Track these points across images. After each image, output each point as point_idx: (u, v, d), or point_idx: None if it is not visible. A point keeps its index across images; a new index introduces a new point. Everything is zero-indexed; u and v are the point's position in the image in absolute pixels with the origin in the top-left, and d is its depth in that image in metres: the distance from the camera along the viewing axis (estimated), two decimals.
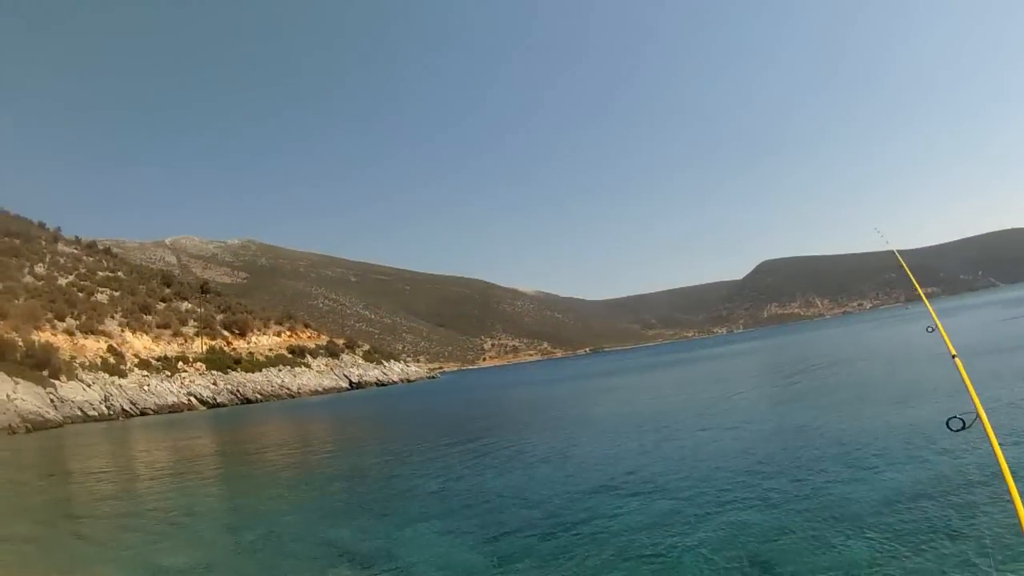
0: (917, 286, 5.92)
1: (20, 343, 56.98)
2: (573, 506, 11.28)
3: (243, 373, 77.10)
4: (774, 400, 25.02)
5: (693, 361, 68.02)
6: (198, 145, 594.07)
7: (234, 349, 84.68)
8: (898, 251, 7.34)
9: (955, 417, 3.55)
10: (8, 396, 47.09)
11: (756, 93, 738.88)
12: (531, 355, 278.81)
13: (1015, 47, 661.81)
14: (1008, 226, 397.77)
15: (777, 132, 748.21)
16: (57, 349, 60.53)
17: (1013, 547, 6.90)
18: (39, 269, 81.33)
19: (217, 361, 77.35)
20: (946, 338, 4.90)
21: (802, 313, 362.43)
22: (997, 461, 3.11)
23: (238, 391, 71.50)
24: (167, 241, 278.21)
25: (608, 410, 28.83)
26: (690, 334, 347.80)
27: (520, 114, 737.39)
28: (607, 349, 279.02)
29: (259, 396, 72.53)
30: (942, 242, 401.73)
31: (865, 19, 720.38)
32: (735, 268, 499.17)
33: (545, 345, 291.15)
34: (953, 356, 4.44)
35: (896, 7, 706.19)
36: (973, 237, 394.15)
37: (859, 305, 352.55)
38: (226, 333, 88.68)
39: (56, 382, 55.96)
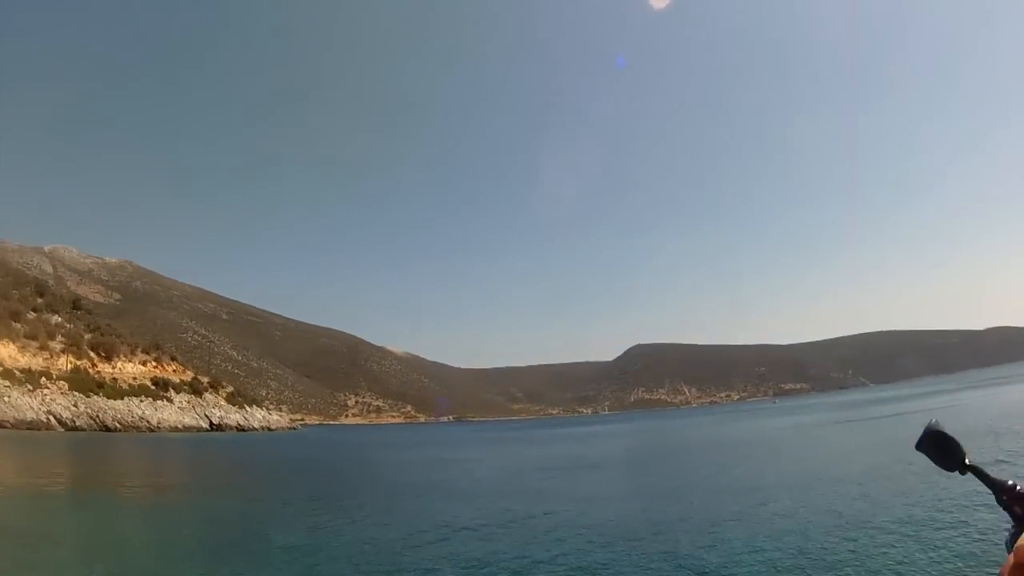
0: None
1: None
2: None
3: (105, 399, 77.99)
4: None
5: (561, 439, 77.35)
6: (86, 152, 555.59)
7: (99, 372, 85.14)
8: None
9: None
10: None
11: (637, 175, 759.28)
12: (394, 417, 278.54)
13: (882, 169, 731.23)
14: (878, 328, 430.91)
15: (657, 217, 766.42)
16: None
17: None
18: None
19: (81, 382, 77.94)
20: None
21: (669, 400, 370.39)
22: None
23: (98, 417, 72.80)
24: (46, 248, 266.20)
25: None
26: (555, 411, 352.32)
27: (402, 177, 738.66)
28: (471, 419, 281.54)
29: (119, 425, 73.97)
30: (813, 340, 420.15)
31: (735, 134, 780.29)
32: (606, 350, 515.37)
33: (409, 408, 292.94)
34: None
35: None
36: (844, 337, 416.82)
37: (727, 396, 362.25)
38: (92, 354, 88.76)
39: None
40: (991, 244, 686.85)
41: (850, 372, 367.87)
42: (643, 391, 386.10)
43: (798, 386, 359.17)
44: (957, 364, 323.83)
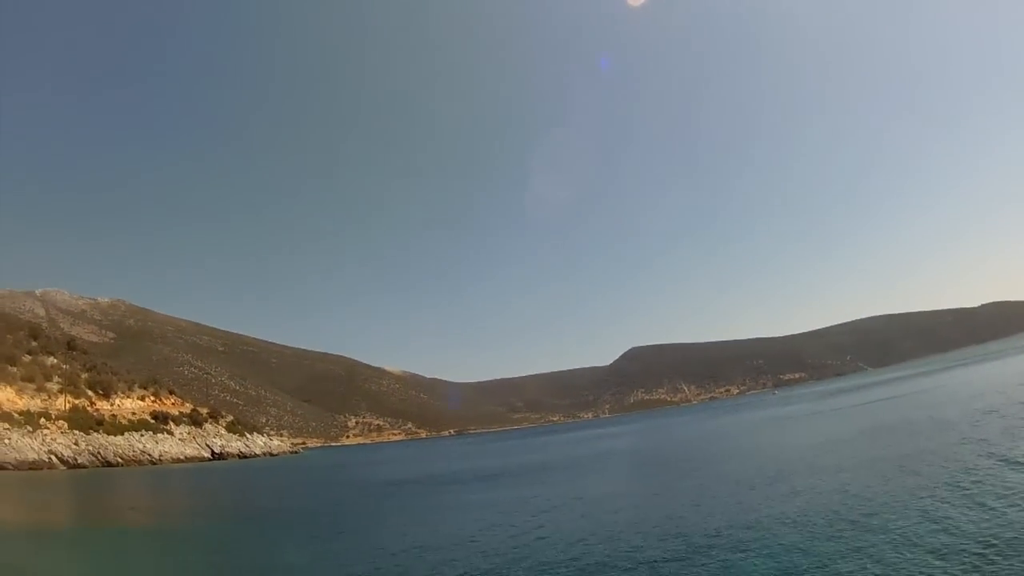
0: None
1: None
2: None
3: (105, 436, 78.32)
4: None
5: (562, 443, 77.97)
6: (74, 198, 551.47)
7: (97, 410, 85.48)
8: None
9: None
10: None
11: (625, 180, 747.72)
12: (395, 435, 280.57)
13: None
14: (872, 313, 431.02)
15: (645, 221, 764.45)
16: None
17: None
18: None
19: (80, 421, 78.25)
20: None
21: (668, 399, 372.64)
22: None
23: (99, 453, 73.10)
24: (37, 292, 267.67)
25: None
26: (556, 418, 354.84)
27: (388, 192, 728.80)
28: (472, 431, 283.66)
29: (120, 460, 74.33)
30: (809, 329, 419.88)
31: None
32: (603, 354, 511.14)
33: (410, 425, 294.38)
34: None
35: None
36: (839, 324, 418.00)
37: (726, 391, 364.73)
38: (90, 393, 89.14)
39: None
40: (982, 222, 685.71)
41: (848, 358, 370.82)
42: (642, 392, 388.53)
43: (797, 375, 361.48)
44: (953, 342, 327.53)
